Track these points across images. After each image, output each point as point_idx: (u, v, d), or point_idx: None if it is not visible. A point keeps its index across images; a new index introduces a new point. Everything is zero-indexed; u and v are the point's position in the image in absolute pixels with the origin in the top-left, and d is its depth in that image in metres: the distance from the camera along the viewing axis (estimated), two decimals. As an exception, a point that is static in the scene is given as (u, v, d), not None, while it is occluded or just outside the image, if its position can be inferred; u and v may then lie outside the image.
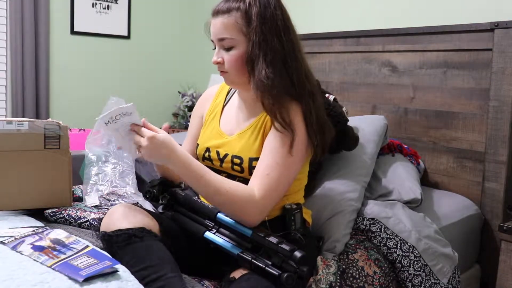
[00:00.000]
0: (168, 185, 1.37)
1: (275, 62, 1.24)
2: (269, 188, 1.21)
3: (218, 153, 1.35)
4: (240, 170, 1.31)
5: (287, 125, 1.22)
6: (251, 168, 1.28)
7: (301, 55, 1.30)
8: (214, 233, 1.22)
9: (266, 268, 1.10)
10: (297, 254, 1.09)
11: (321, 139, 1.29)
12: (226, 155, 1.33)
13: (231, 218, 1.21)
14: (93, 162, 1.74)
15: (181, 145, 1.35)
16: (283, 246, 1.11)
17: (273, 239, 1.13)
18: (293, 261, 1.10)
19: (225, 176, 1.26)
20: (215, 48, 1.31)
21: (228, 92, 1.47)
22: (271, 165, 1.22)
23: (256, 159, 1.27)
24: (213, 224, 1.24)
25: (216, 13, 1.27)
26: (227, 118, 1.41)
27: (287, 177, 1.25)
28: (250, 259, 1.12)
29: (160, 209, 1.35)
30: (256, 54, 1.23)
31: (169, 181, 1.39)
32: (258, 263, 1.12)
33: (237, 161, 1.31)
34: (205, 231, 1.23)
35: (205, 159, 1.39)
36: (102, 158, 1.75)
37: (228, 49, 1.27)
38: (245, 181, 1.26)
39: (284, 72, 1.25)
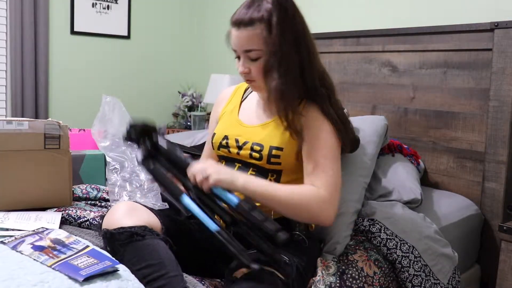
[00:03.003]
0: (149, 131, 1.27)
1: (289, 71, 1.25)
2: (331, 183, 1.23)
3: (237, 140, 1.36)
4: (259, 158, 1.31)
5: (297, 133, 1.25)
6: (270, 157, 1.29)
7: (316, 59, 1.32)
8: (192, 199, 1.16)
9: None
10: (281, 235, 1.05)
11: (345, 133, 1.33)
12: (246, 143, 1.34)
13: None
14: (118, 169, 1.66)
15: None
16: (267, 224, 1.07)
17: (259, 215, 1.08)
18: (275, 241, 1.06)
19: (240, 166, 1.28)
20: (236, 57, 1.31)
21: (245, 91, 1.49)
22: (322, 163, 1.24)
23: (277, 148, 1.29)
24: (194, 184, 1.18)
25: (239, 24, 1.25)
26: (246, 111, 1.43)
27: (338, 171, 1.27)
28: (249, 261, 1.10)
29: (140, 157, 1.26)
30: (272, 63, 1.24)
31: (151, 127, 1.28)
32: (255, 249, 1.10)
33: (257, 148, 1.31)
34: (182, 195, 1.17)
35: (222, 146, 1.39)
36: (125, 166, 1.69)
37: (255, 59, 1.27)
38: (260, 169, 1.29)
39: (299, 78, 1.27)
